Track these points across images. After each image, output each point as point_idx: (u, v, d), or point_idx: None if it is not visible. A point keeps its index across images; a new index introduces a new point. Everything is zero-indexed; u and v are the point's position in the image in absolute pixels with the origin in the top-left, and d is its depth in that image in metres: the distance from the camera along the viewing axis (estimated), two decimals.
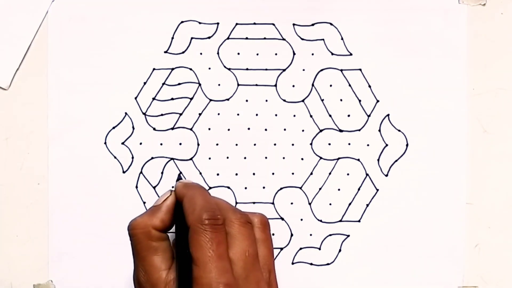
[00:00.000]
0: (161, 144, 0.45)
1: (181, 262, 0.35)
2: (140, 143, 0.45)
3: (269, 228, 0.38)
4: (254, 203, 0.45)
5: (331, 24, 0.46)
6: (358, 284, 0.45)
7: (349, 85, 0.46)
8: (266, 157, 0.45)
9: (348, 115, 0.46)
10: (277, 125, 0.45)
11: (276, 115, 0.46)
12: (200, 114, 0.45)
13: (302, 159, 0.45)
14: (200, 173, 0.45)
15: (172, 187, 0.42)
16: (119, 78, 0.45)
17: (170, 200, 0.37)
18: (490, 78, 0.45)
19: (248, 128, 0.45)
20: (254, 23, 0.46)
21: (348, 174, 0.45)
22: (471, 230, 0.45)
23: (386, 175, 0.45)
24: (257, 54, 0.46)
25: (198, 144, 0.45)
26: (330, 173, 0.45)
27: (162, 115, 0.45)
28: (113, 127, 0.45)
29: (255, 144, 0.45)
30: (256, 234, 0.37)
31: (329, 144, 0.45)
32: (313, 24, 0.46)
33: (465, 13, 0.45)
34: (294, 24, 0.46)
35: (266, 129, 0.45)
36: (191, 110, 0.45)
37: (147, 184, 0.45)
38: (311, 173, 0.45)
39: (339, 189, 0.45)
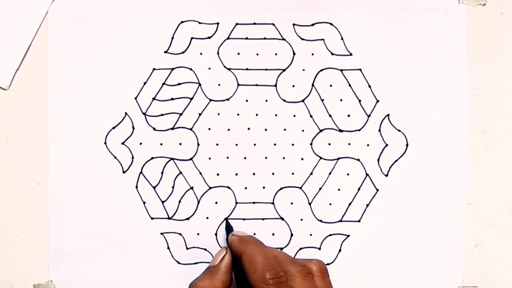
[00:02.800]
0: (161, 144, 0.45)
1: None
2: (140, 143, 0.45)
3: (328, 275, 0.38)
4: (254, 203, 0.45)
5: (331, 24, 0.46)
6: (358, 284, 0.45)
7: (349, 85, 0.46)
8: (266, 157, 0.45)
9: (348, 115, 0.46)
10: (277, 125, 0.45)
11: (276, 115, 0.46)
12: (200, 114, 0.45)
13: (302, 159, 0.45)
14: (200, 173, 0.45)
15: (226, 242, 0.43)
16: (119, 78, 0.45)
17: (227, 259, 0.37)
18: (490, 78, 0.45)
19: (248, 128, 0.45)
20: (254, 23, 0.46)
21: (348, 174, 0.45)
22: (471, 230, 0.45)
23: (386, 175, 0.45)
24: (257, 54, 0.46)
25: (198, 144, 0.45)
26: (330, 173, 0.45)
27: (162, 115, 0.45)
28: (113, 127, 0.45)
29: (255, 144, 0.45)
30: (317, 284, 0.36)
31: (329, 144, 0.45)
32: (313, 24, 0.46)
33: (465, 13, 0.45)
34: (294, 24, 0.46)
35: (266, 129, 0.45)
36: (191, 110, 0.45)
37: (147, 184, 0.45)
38: (311, 173, 0.45)
39: (339, 189, 0.45)
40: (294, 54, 0.45)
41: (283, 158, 0.45)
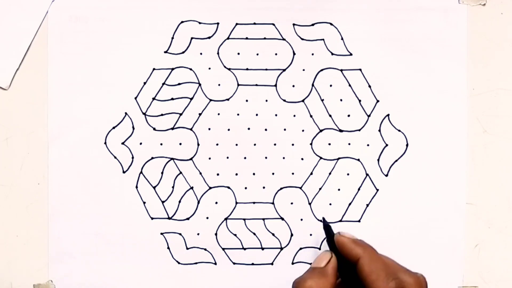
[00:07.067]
0: (161, 144, 0.45)
1: None
2: (140, 143, 0.45)
3: None
4: (254, 203, 0.45)
5: (331, 24, 0.46)
6: None
7: (349, 85, 0.46)
8: (266, 157, 0.45)
9: (348, 115, 0.46)
10: (277, 125, 0.45)
11: (276, 115, 0.46)
12: (200, 114, 0.45)
13: (302, 159, 0.45)
14: (200, 173, 0.45)
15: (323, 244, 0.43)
16: (119, 78, 0.45)
17: (334, 262, 0.37)
18: (490, 78, 0.45)
19: (248, 128, 0.45)
20: (254, 23, 0.46)
21: (348, 174, 0.45)
22: (471, 230, 0.45)
23: (386, 175, 0.45)
24: (257, 54, 0.46)
25: (198, 144, 0.45)
26: (330, 173, 0.45)
27: (162, 115, 0.45)
28: (113, 127, 0.45)
29: (255, 144, 0.45)
30: None
31: (329, 144, 0.45)
32: (313, 24, 0.46)
33: (465, 13, 0.45)
34: (294, 24, 0.46)
35: (266, 129, 0.45)
36: (191, 110, 0.45)
37: (147, 184, 0.45)
38: (311, 173, 0.45)
39: (339, 189, 0.45)
40: (294, 54, 0.45)
41: (283, 158, 0.45)
